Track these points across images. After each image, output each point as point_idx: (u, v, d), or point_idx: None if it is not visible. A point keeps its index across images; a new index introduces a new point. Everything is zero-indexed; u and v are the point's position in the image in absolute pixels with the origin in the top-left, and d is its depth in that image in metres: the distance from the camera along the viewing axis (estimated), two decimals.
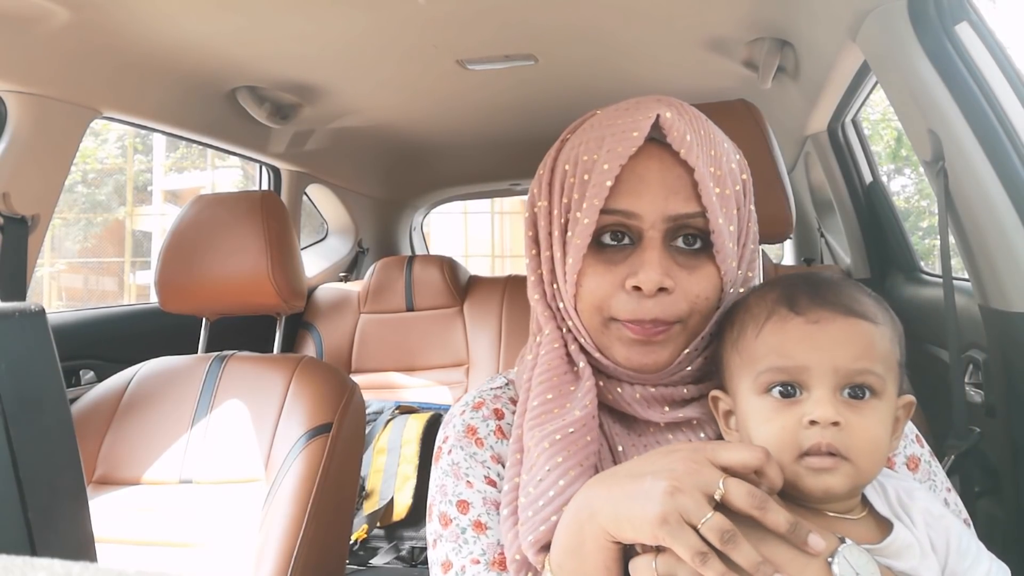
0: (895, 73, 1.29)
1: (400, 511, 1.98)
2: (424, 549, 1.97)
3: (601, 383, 0.71)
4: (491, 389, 0.80)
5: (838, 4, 1.36)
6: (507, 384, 0.81)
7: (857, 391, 0.60)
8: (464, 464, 0.73)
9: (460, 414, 0.77)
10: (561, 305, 0.72)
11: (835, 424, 0.58)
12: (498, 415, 0.76)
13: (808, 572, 0.55)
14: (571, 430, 0.66)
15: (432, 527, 0.73)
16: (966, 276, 1.29)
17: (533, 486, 0.65)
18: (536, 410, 0.69)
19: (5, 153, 1.43)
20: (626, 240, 0.69)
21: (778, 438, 0.60)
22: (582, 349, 0.72)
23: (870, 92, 1.87)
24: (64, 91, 1.50)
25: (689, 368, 0.70)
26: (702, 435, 0.70)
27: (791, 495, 0.60)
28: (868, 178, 2.13)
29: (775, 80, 1.81)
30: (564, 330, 0.73)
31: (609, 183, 0.66)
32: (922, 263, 2.02)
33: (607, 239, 0.69)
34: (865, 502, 0.63)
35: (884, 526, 0.61)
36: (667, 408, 0.70)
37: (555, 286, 0.73)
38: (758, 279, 0.75)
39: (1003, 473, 1.21)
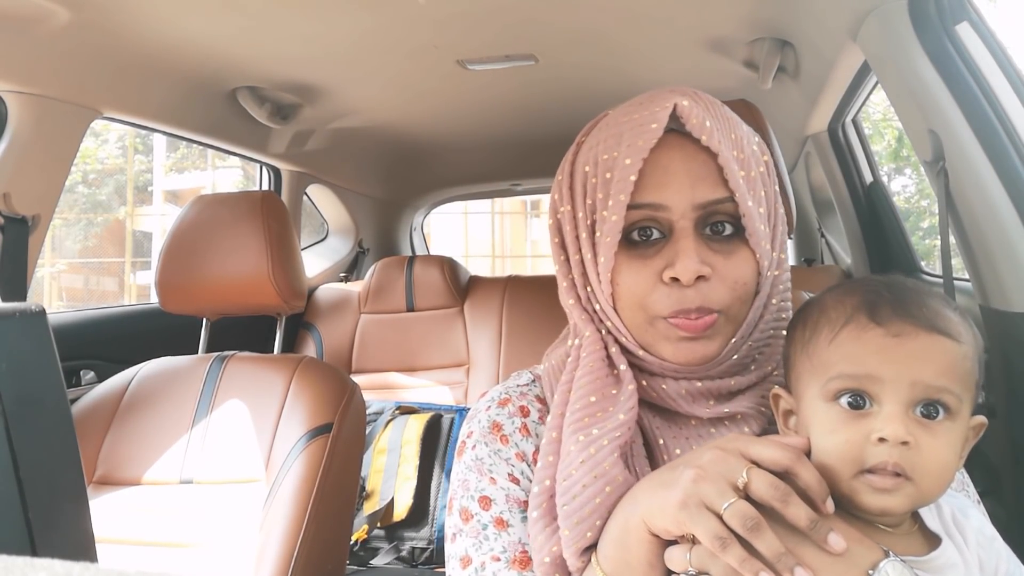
0: (895, 73, 1.29)
1: (400, 511, 1.98)
2: (424, 550, 1.97)
3: (644, 382, 0.70)
4: (517, 386, 0.79)
5: (838, 4, 1.36)
6: (533, 381, 0.80)
7: (931, 410, 0.57)
8: (488, 460, 0.72)
9: (486, 410, 0.76)
10: (598, 307, 0.71)
11: (904, 443, 0.55)
12: (524, 412, 0.76)
13: None
14: (617, 434, 0.66)
15: (452, 521, 0.72)
16: (967, 276, 1.29)
17: (577, 492, 0.64)
18: (578, 413, 0.68)
19: (5, 153, 1.43)
20: (655, 235, 0.68)
21: (842, 451, 0.57)
22: (623, 351, 0.71)
23: (870, 92, 1.87)
24: (65, 91, 1.50)
25: (735, 357, 0.69)
26: (746, 429, 0.68)
27: (843, 505, 0.58)
28: (868, 178, 2.13)
29: (775, 80, 1.81)
30: (603, 332, 0.71)
31: (633, 177, 0.65)
32: (922, 263, 2.02)
33: (635, 236, 0.68)
34: (916, 517, 0.61)
35: (932, 542, 0.59)
36: (712, 402, 0.69)
37: (589, 289, 0.72)
38: (788, 259, 0.74)
39: (1003, 473, 1.21)
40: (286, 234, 1.53)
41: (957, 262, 1.27)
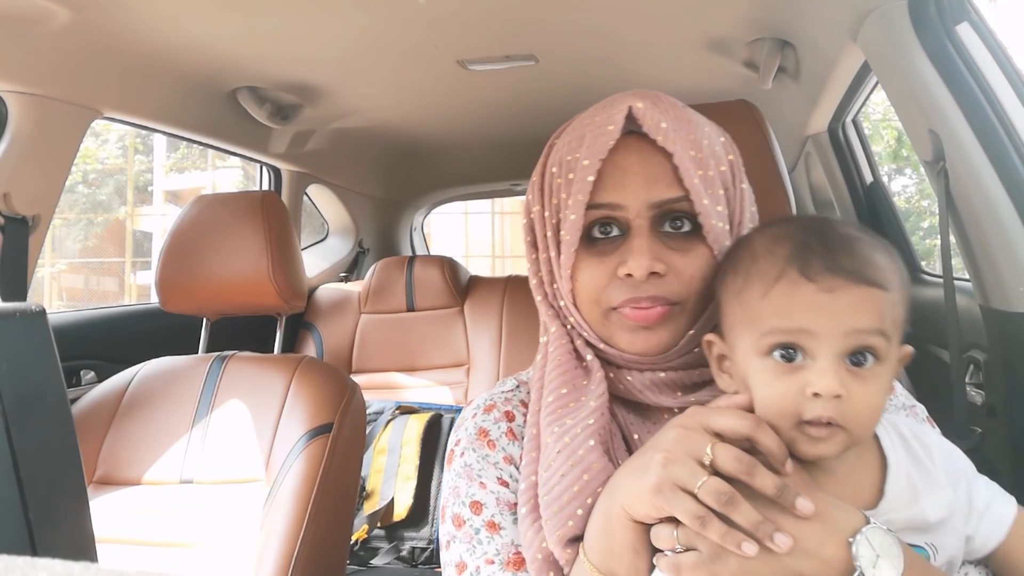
0: (896, 73, 1.29)
1: (400, 511, 1.98)
2: (424, 549, 1.97)
3: (611, 374, 0.72)
4: (502, 392, 0.81)
5: (839, 4, 1.36)
6: (517, 387, 0.82)
7: (860, 357, 0.59)
8: (477, 466, 0.74)
9: (472, 417, 0.78)
10: (562, 303, 0.74)
11: (837, 397, 0.57)
12: (509, 417, 0.77)
13: (827, 549, 0.55)
14: (591, 421, 0.67)
15: (445, 528, 0.73)
16: (967, 276, 1.28)
17: (556, 481, 0.66)
18: (552, 405, 0.70)
19: (6, 153, 1.43)
20: (615, 232, 0.70)
21: (779, 405, 0.59)
22: (588, 343, 0.73)
23: (871, 92, 1.87)
24: (65, 91, 1.50)
25: (696, 350, 0.70)
26: None
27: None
28: (868, 178, 2.13)
29: (776, 80, 1.81)
30: (568, 327, 0.74)
31: (591, 178, 0.68)
32: (923, 263, 2.01)
33: (597, 233, 0.71)
34: (876, 443, 0.64)
35: (881, 465, 0.63)
36: (679, 393, 0.71)
37: (555, 286, 0.74)
38: None
39: (1004, 473, 1.21)
40: (286, 234, 1.53)
41: (957, 262, 1.27)
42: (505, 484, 0.73)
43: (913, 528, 0.60)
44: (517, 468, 0.74)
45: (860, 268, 0.59)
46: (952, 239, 1.23)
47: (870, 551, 0.55)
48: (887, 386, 0.61)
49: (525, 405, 0.78)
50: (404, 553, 1.98)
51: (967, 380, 1.28)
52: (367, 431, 1.78)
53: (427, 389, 2.43)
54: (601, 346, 0.72)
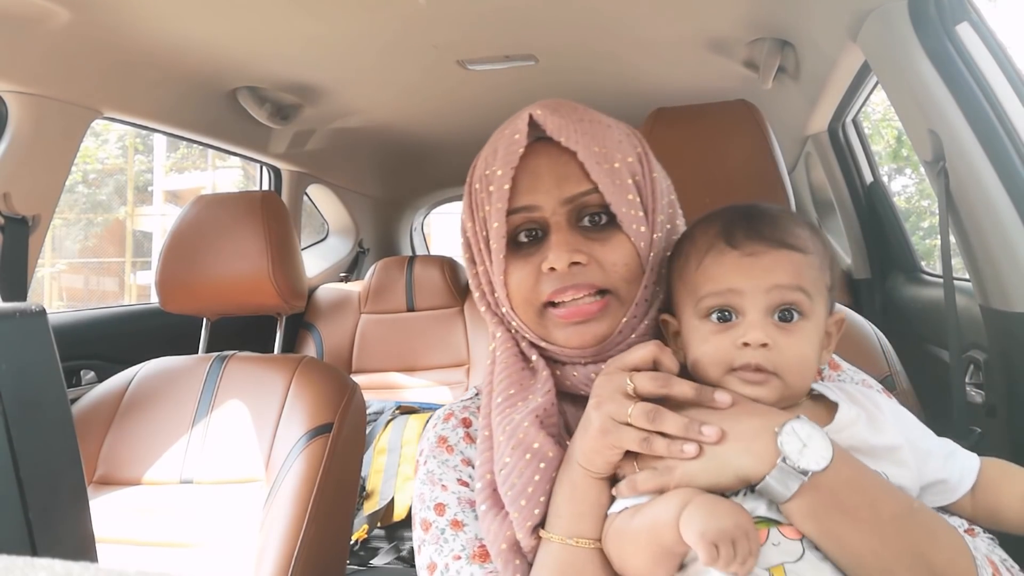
0: (896, 73, 1.29)
1: (400, 511, 1.98)
2: None
3: (558, 372, 0.76)
4: (460, 402, 0.86)
5: (839, 4, 1.36)
6: (476, 395, 0.86)
7: (786, 314, 0.66)
8: (438, 471, 0.78)
9: (432, 427, 0.83)
10: (504, 310, 0.77)
11: (764, 345, 0.64)
12: (466, 424, 0.82)
13: (757, 443, 0.60)
14: (539, 413, 0.71)
15: (416, 535, 0.77)
16: (967, 276, 1.28)
17: (517, 475, 0.69)
18: (500, 406, 0.74)
19: (6, 153, 1.43)
20: (539, 234, 0.75)
21: (713, 356, 0.67)
22: (532, 345, 0.77)
23: (871, 92, 1.87)
24: (65, 91, 1.50)
25: (634, 336, 0.74)
26: None
27: None
28: (869, 178, 2.13)
29: (776, 80, 1.81)
30: (512, 331, 0.78)
31: (507, 186, 0.73)
32: (923, 263, 2.01)
33: (523, 238, 0.75)
34: (819, 401, 0.69)
35: (831, 414, 0.67)
36: None
37: (495, 295, 0.78)
38: None
39: None
40: (286, 234, 1.53)
41: (957, 262, 1.27)
42: (465, 484, 0.76)
43: (856, 450, 0.64)
44: (474, 468, 0.77)
45: (779, 235, 0.67)
46: (952, 239, 1.23)
47: (796, 441, 0.60)
48: (813, 339, 0.67)
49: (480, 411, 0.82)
50: (404, 553, 1.98)
51: (967, 380, 1.28)
52: (367, 431, 1.78)
53: (427, 389, 2.43)
54: (543, 344, 0.75)
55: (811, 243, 0.68)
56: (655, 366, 0.65)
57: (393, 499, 2.00)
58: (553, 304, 0.73)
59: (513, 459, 0.69)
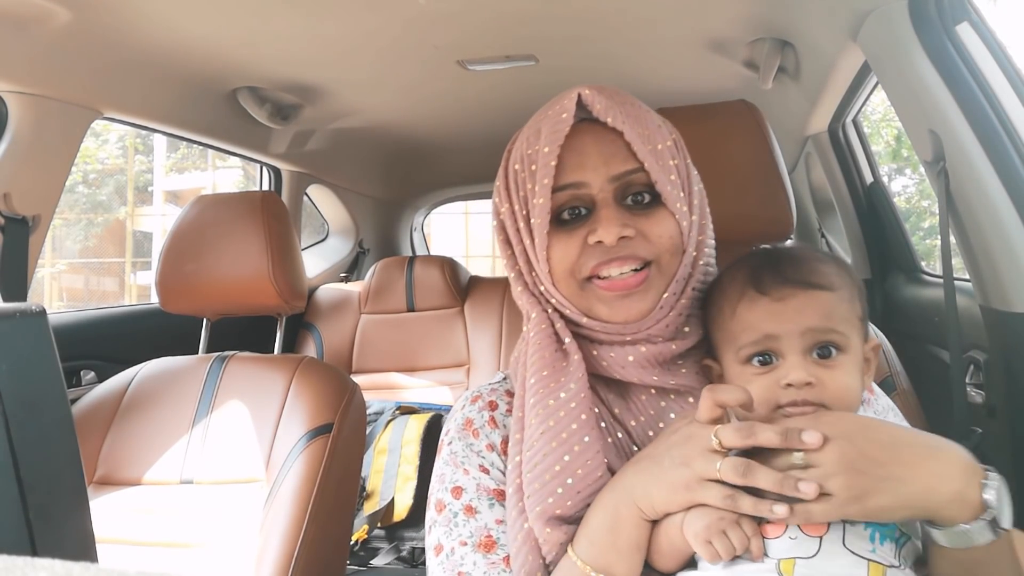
0: (896, 73, 1.29)
1: (400, 511, 1.98)
2: (425, 550, 1.97)
3: (595, 352, 0.76)
4: (488, 385, 0.85)
5: (839, 4, 1.36)
6: (504, 379, 0.86)
7: (825, 351, 0.68)
8: (461, 454, 0.78)
9: (460, 409, 0.83)
10: (542, 288, 0.77)
11: (808, 384, 0.66)
12: (492, 407, 0.82)
13: (962, 489, 0.59)
14: (572, 404, 0.71)
15: (429, 515, 0.78)
16: (967, 276, 1.28)
17: (538, 460, 0.70)
18: (534, 387, 0.74)
19: (6, 153, 1.43)
20: (582, 212, 0.75)
21: (759, 397, 0.67)
22: (567, 325, 0.77)
23: (871, 92, 1.87)
24: (65, 92, 1.50)
25: (672, 313, 0.74)
26: (691, 400, 0.76)
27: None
28: (869, 178, 2.12)
29: (776, 80, 1.81)
30: (549, 311, 0.78)
31: (553, 162, 0.73)
32: (923, 263, 2.01)
33: (566, 216, 0.75)
34: None
35: None
36: (658, 372, 0.75)
37: (533, 273, 0.78)
38: (710, 225, 0.81)
39: (1004, 473, 1.21)
40: (286, 234, 1.53)
41: (957, 262, 1.27)
42: (486, 471, 0.77)
43: None
44: (499, 455, 0.78)
45: (805, 276, 0.69)
46: (952, 239, 1.23)
47: (998, 495, 0.59)
48: (853, 369, 0.69)
49: (509, 395, 0.83)
50: (404, 553, 1.98)
51: (967, 380, 1.28)
52: (367, 431, 1.78)
53: (427, 389, 2.43)
54: (584, 320, 0.75)
55: (837, 278, 0.70)
56: (723, 414, 0.64)
57: (393, 499, 2.00)
58: (597, 278, 0.74)
59: (540, 444, 0.71)
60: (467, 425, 0.80)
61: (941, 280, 1.30)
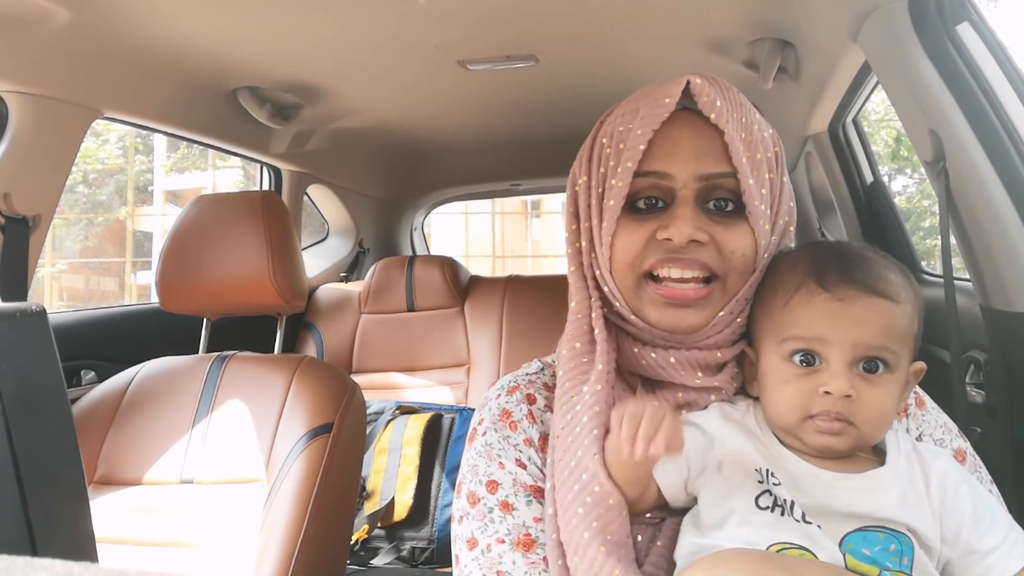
0: (896, 73, 1.29)
1: (401, 511, 1.98)
2: (424, 550, 1.97)
3: (636, 350, 0.72)
4: (526, 374, 0.81)
5: (839, 4, 1.36)
6: (542, 369, 0.82)
7: (872, 365, 0.63)
8: (497, 446, 0.74)
9: (496, 398, 0.79)
10: (598, 272, 0.74)
11: (847, 396, 0.62)
12: (530, 400, 0.78)
13: None
14: (585, 418, 0.68)
15: (459, 504, 0.74)
16: (967, 276, 1.28)
17: (568, 472, 0.67)
18: (562, 379, 0.72)
19: (6, 153, 1.43)
20: (660, 204, 0.71)
21: (792, 399, 0.64)
22: (607, 316, 0.73)
23: (871, 92, 1.87)
24: (65, 91, 1.50)
25: (726, 330, 0.71)
26: (712, 397, 0.72)
27: (791, 441, 0.65)
28: (869, 178, 2.12)
29: (776, 80, 1.80)
30: (594, 298, 0.74)
31: (642, 147, 0.69)
32: (923, 263, 2.01)
33: (641, 204, 0.71)
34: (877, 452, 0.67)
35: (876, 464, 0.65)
36: (700, 375, 0.71)
37: (593, 254, 0.74)
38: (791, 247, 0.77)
39: (1004, 473, 1.21)
40: (286, 234, 1.53)
41: (958, 262, 1.27)
42: (523, 466, 0.73)
43: (866, 516, 0.61)
44: (536, 451, 0.75)
45: (872, 281, 0.64)
46: (952, 239, 1.23)
47: None
48: (895, 391, 0.65)
49: (547, 388, 0.79)
50: (404, 553, 1.98)
51: (967, 380, 1.28)
52: (367, 431, 1.78)
53: (427, 389, 2.43)
54: (631, 318, 0.72)
55: (904, 291, 0.66)
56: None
57: (393, 499, 2.00)
58: (654, 278, 0.70)
59: (569, 452, 0.68)
60: (504, 416, 0.76)
61: (941, 280, 1.30)
